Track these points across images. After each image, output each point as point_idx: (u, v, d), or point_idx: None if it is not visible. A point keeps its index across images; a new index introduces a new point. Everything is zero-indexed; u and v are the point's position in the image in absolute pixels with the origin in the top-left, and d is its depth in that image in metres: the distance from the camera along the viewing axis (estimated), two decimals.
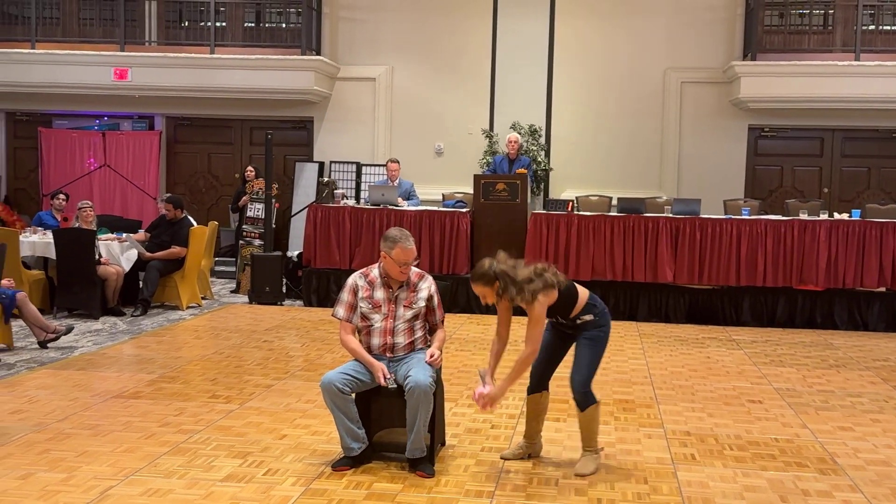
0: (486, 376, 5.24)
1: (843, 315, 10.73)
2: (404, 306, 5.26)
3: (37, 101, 15.20)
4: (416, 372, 5.02)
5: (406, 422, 5.05)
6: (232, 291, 12.68)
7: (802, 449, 5.79)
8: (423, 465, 5.08)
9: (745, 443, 5.90)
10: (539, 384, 5.35)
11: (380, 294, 5.26)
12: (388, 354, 5.25)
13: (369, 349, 5.25)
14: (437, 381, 5.33)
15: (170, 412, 6.27)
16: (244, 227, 12.84)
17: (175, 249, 10.96)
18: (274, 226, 12.72)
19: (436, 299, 5.37)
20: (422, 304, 5.28)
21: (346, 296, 5.31)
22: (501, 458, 5.35)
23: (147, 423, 5.99)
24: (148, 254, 10.88)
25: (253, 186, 12.89)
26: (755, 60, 13.47)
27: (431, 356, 5.16)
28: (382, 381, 5.07)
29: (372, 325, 5.25)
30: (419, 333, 5.33)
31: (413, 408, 4.98)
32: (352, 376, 5.12)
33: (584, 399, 5.14)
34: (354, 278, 5.34)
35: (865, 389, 7.56)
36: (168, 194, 12.85)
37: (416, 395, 4.94)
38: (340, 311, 5.31)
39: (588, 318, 5.14)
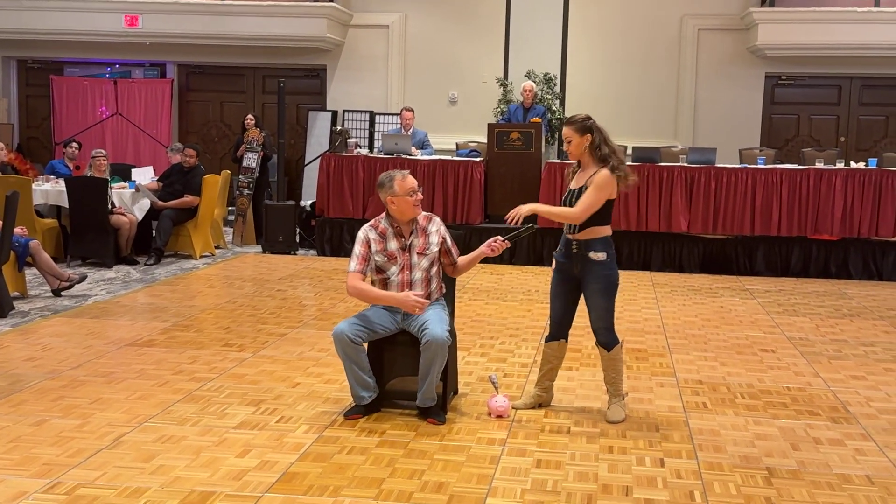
0: (497, 383, 5.29)
1: (858, 264, 10.68)
2: (418, 254, 5.13)
3: (48, 48, 15.15)
4: (434, 325, 4.97)
5: (419, 371, 5.05)
6: (229, 242, 12.57)
7: (814, 398, 5.78)
8: (435, 412, 5.09)
9: (756, 391, 5.89)
10: (558, 332, 5.32)
11: (393, 244, 5.14)
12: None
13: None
14: (452, 333, 5.33)
15: (183, 360, 6.29)
16: (239, 177, 12.76)
17: (188, 198, 10.95)
18: (257, 175, 12.63)
19: (448, 239, 5.28)
20: (435, 248, 5.17)
21: (358, 248, 5.20)
22: (513, 408, 5.33)
23: (160, 370, 6.02)
24: (161, 203, 10.88)
25: (249, 135, 12.79)
26: (773, 7, 13.34)
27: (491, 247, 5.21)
28: (418, 310, 5.00)
29: (389, 279, 5.15)
30: (435, 283, 5.22)
31: (428, 360, 4.96)
32: (364, 326, 5.09)
33: (611, 340, 5.16)
34: (365, 231, 5.22)
35: (879, 339, 7.54)
36: (178, 143, 12.80)
37: (433, 348, 4.91)
38: (353, 263, 5.19)
39: (601, 256, 5.07)
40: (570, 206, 5.04)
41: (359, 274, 5.17)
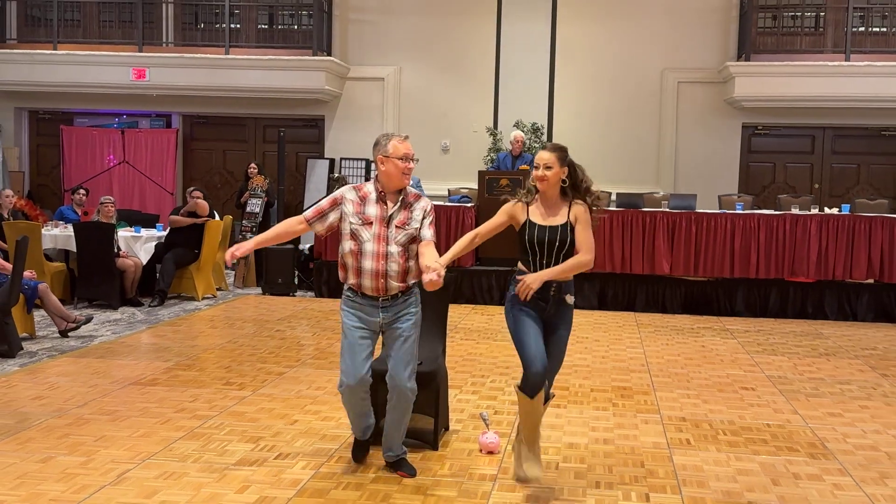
0: (488, 420, 5.25)
1: (833, 305, 10.70)
2: (397, 227, 4.54)
3: (59, 100, 15.22)
4: (396, 366, 4.63)
5: (386, 417, 4.76)
6: (231, 284, 12.54)
7: (793, 434, 5.77)
8: (405, 465, 4.79)
9: (738, 428, 5.88)
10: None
11: (372, 210, 4.56)
12: (381, 293, 4.58)
13: (360, 278, 4.56)
14: (441, 368, 5.30)
15: (185, 398, 6.25)
16: (242, 221, 12.77)
17: (180, 219, 11.02)
18: (261, 220, 12.73)
19: (429, 218, 4.65)
20: (416, 224, 4.57)
21: (323, 201, 4.74)
22: (517, 479, 4.66)
23: (163, 408, 5.97)
24: (177, 217, 10.94)
25: (253, 182, 12.85)
26: (749, 61, 13.44)
27: (430, 278, 4.31)
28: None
29: (363, 246, 4.53)
30: (412, 262, 4.59)
31: (392, 407, 4.68)
32: (362, 348, 4.63)
33: (549, 389, 4.61)
34: (343, 191, 4.69)
35: (854, 377, 7.54)
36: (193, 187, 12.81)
37: (396, 396, 4.64)
38: (309, 211, 4.74)
39: (571, 300, 4.58)
40: (551, 245, 4.42)
41: (302, 218, 4.74)
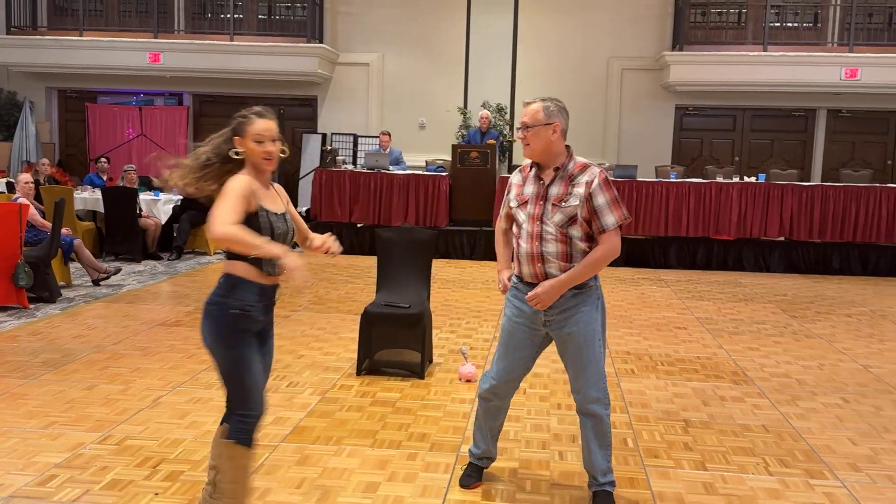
0: (466, 353, 5.28)
1: (750, 259, 10.89)
2: (553, 204, 3.27)
3: (84, 80, 14.95)
4: (575, 381, 3.39)
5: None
6: None
7: (719, 364, 5.91)
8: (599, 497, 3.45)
9: (673, 360, 6.01)
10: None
11: (530, 189, 3.37)
12: (537, 280, 3.32)
13: (519, 262, 3.37)
14: (427, 310, 5.35)
15: (198, 336, 6.26)
16: None
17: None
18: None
19: (601, 198, 3.23)
20: (575, 202, 3.22)
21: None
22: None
23: (187, 345, 6.01)
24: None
25: None
26: (682, 51, 13.47)
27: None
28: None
29: (521, 227, 3.36)
30: (578, 249, 3.26)
31: (582, 430, 3.47)
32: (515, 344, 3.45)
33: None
34: (513, 175, 3.55)
35: (768, 318, 7.70)
36: None
37: (590, 423, 3.42)
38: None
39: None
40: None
41: (501, 220, 3.59)
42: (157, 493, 3.49)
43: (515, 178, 3.47)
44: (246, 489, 3.06)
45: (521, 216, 3.35)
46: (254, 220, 2.92)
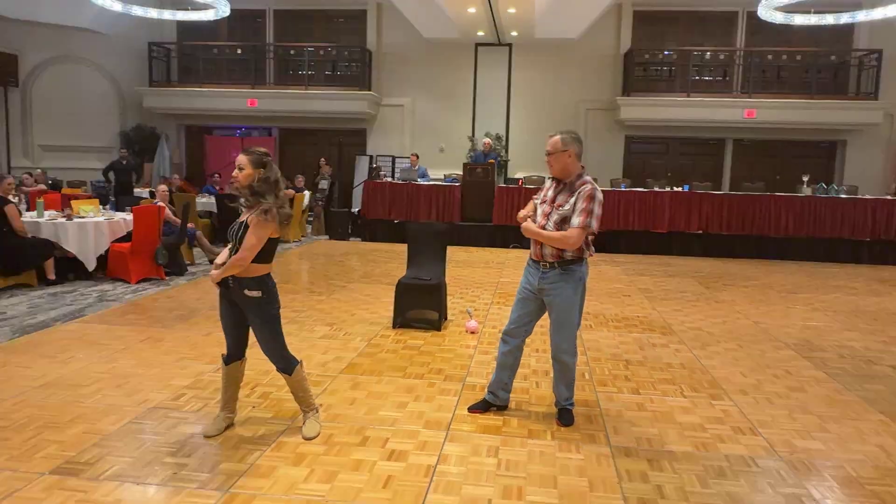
0: (472, 312, 5.16)
1: (678, 247, 10.80)
2: (556, 207, 3.27)
3: (202, 119, 15.06)
4: (559, 340, 3.35)
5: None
6: (309, 232, 12.41)
7: (653, 321, 5.88)
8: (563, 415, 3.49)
9: (620, 318, 5.99)
10: (237, 352, 3.36)
11: (549, 194, 3.35)
12: (537, 257, 3.36)
13: (531, 243, 3.41)
14: (443, 282, 5.31)
15: (286, 301, 6.23)
16: (316, 194, 12.74)
17: (290, 192, 10.86)
18: (328, 193, 12.59)
19: (580, 204, 3.19)
20: (567, 207, 3.22)
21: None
22: (205, 436, 3.16)
23: None
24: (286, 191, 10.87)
25: (323, 170, 12.83)
26: (629, 96, 13.39)
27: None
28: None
29: (535, 218, 3.37)
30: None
31: (555, 374, 3.46)
32: (520, 304, 3.43)
33: (288, 365, 3.24)
34: (546, 182, 3.49)
35: (689, 288, 7.63)
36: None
37: (558, 367, 3.42)
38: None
39: (253, 293, 3.25)
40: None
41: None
42: (254, 406, 3.58)
43: (547, 184, 3.46)
44: (310, 392, 3.34)
45: (538, 210, 3.38)
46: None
